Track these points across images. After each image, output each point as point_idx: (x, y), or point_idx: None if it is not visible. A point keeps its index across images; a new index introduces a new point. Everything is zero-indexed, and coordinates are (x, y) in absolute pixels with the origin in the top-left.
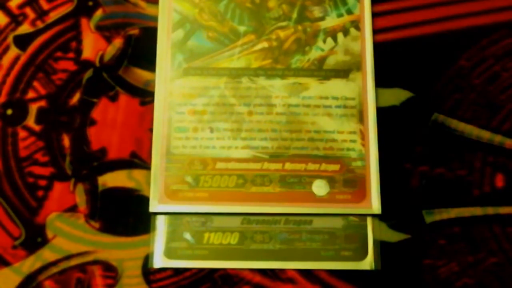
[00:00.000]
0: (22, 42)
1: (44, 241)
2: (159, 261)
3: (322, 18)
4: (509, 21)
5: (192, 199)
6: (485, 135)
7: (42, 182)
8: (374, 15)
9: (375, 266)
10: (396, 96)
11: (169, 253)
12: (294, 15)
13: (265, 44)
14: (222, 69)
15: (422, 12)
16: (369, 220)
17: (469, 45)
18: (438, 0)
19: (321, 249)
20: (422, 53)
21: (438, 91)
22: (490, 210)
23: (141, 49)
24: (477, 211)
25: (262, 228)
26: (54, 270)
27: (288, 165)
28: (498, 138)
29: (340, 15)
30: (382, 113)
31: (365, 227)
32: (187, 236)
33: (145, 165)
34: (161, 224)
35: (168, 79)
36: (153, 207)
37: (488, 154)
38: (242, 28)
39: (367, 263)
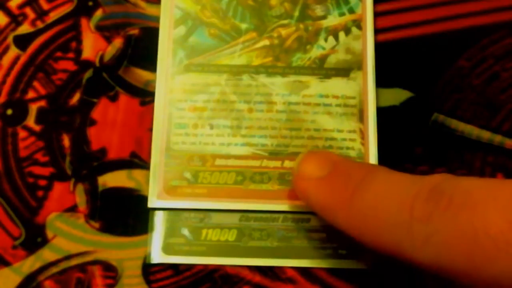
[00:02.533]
0: (22, 42)
1: (44, 241)
2: (157, 257)
3: (324, 17)
4: (509, 21)
5: (190, 195)
6: (485, 135)
7: (42, 182)
8: (374, 15)
9: (372, 264)
10: (396, 96)
11: (167, 249)
12: (296, 14)
13: (266, 42)
14: (223, 66)
15: (422, 12)
16: None
17: (469, 45)
18: (438, 0)
19: (319, 247)
20: (422, 53)
21: (438, 91)
22: None
23: (141, 49)
24: None
25: (260, 225)
26: (54, 270)
27: (288, 163)
28: (498, 138)
29: (342, 14)
30: (382, 113)
31: None
32: (185, 232)
33: (145, 165)
34: (159, 220)
35: (169, 76)
36: (151, 202)
37: (488, 154)
38: (243, 26)
39: (365, 261)
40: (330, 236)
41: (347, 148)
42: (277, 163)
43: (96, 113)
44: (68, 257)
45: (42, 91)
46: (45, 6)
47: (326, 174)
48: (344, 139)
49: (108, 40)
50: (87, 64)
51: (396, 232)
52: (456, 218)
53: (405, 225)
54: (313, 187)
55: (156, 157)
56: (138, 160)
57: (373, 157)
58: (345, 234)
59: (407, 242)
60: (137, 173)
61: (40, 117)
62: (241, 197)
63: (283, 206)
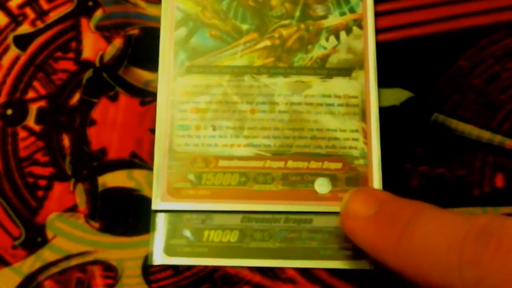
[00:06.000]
0: (22, 42)
1: (44, 241)
2: (159, 258)
3: (324, 17)
4: (509, 21)
5: (194, 197)
6: (485, 135)
7: (42, 182)
8: (375, 15)
9: (374, 265)
10: (396, 96)
11: (169, 250)
12: (297, 14)
13: (267, 43)
14: (224, 67)
15: (422, 12)
16: None
17: (469, 45)
18: (438, 0)
19: (320, 248)
20: (422, 53)
21: (438, 91)
22: (490, 210)
23: (141, 49)
24: (477, 211)
25: (262, 226)
26: (54, 270)
27: (291, 163)
28: (498, 138)
29: (342, 14)
30: (382, 113)
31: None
32: (187, 233)
33: (145, 165)
34: (161, 222)
35: (171, 77)
36: (155, 205)
37: (488, 154)
38: (244, 27)
39: (367, 262)
40: (331, 237)
41: (350, 147)
42: (281, 164)
43: (96, 113)
44: (68, 257)
45: (42, 91)
46: (45, 6)
47: (374, 213)
48: (347, 139)
49: (108, 40)
50: (87, 64)
51: (446, 274)
52: (506, 262)
53: (455, 267)
54: (361, 227)
55: (159, 159)
56: (138, 160)
57: (376, 156)
58: (394, 272)
59: (457, 285)
60: (137, 173)
61: (40, 117)
62: (245, 198)
63: (287, 206)
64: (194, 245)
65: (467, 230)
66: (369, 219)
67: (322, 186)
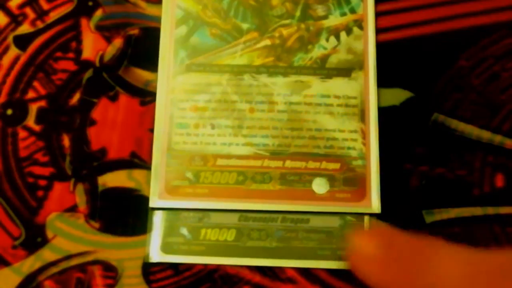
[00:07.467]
0: (22, 42)
1: (44, 241)
2: (156, 256)
3: (325, 17)
4: (509, 21)
5: (192, 195)
6: (485, 135)
7: (42, 182)
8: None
9: None
10: (396, 96)
11: (166, 248)
12: (297, 13)
13: (267, 42)
14: (224, 66)
15: (421, 12)
16: (366, 220)
17: (469, 45)
18: (438, 0)
19: (317, 248)
20: (422, 53)
21: (438, 91)
22: (490, 210)
23: (141, 49)
24: (477, 211)
25: (259, 225)
26: (54, 270)
27: (289, 163)
28: (498, 138)
29: (343, 14)
30: (382, 113)
31: (362, 227)
32: (184, 231)
33: (145, 165)
34: (158, 219)
35: (171, 75)
36: (153, 202)
37: (488, 154)
38: (245, 26)
39: None
40: (329, 237)
41: (348, 148)
42: (279, 163)
43: (96, 113)
44: (68, 257)
45: (42, 91)
46: (45, 6)
47: (385, 252)
48: (346, 139)
49: (108, 40)
50: (87, 64)
51: None
52: None
53: None
54: (373, 267)
55: (158, 157)
56: (138, 160)
57: (374, 157)
58: None
59: None
60: (137, 173)
61: (40, 117)
62: (242, 197)
63: (284, 206)
64: (191, 243)
65: (487, 268)
66: (381, 258)
67: (320, 186)
